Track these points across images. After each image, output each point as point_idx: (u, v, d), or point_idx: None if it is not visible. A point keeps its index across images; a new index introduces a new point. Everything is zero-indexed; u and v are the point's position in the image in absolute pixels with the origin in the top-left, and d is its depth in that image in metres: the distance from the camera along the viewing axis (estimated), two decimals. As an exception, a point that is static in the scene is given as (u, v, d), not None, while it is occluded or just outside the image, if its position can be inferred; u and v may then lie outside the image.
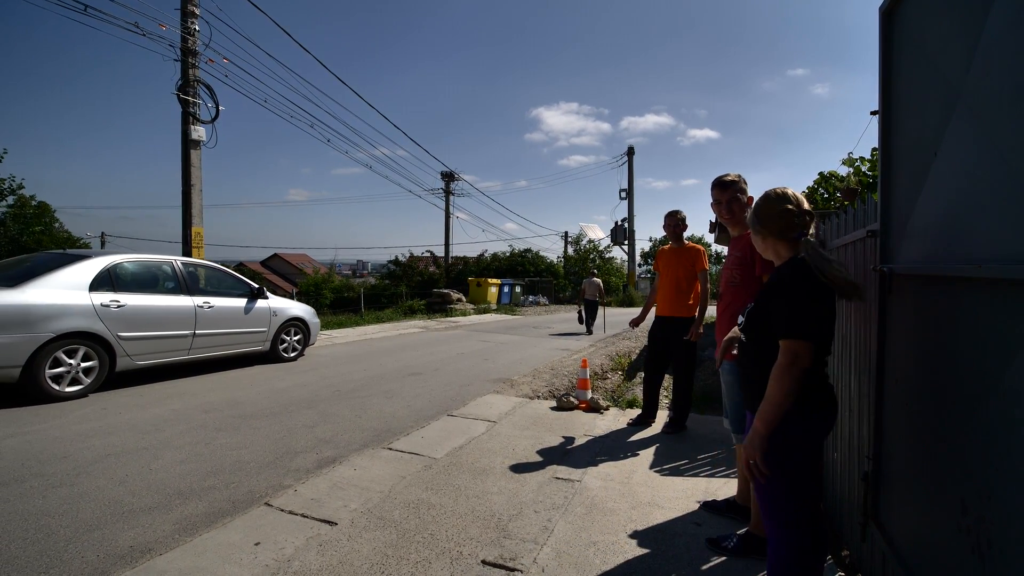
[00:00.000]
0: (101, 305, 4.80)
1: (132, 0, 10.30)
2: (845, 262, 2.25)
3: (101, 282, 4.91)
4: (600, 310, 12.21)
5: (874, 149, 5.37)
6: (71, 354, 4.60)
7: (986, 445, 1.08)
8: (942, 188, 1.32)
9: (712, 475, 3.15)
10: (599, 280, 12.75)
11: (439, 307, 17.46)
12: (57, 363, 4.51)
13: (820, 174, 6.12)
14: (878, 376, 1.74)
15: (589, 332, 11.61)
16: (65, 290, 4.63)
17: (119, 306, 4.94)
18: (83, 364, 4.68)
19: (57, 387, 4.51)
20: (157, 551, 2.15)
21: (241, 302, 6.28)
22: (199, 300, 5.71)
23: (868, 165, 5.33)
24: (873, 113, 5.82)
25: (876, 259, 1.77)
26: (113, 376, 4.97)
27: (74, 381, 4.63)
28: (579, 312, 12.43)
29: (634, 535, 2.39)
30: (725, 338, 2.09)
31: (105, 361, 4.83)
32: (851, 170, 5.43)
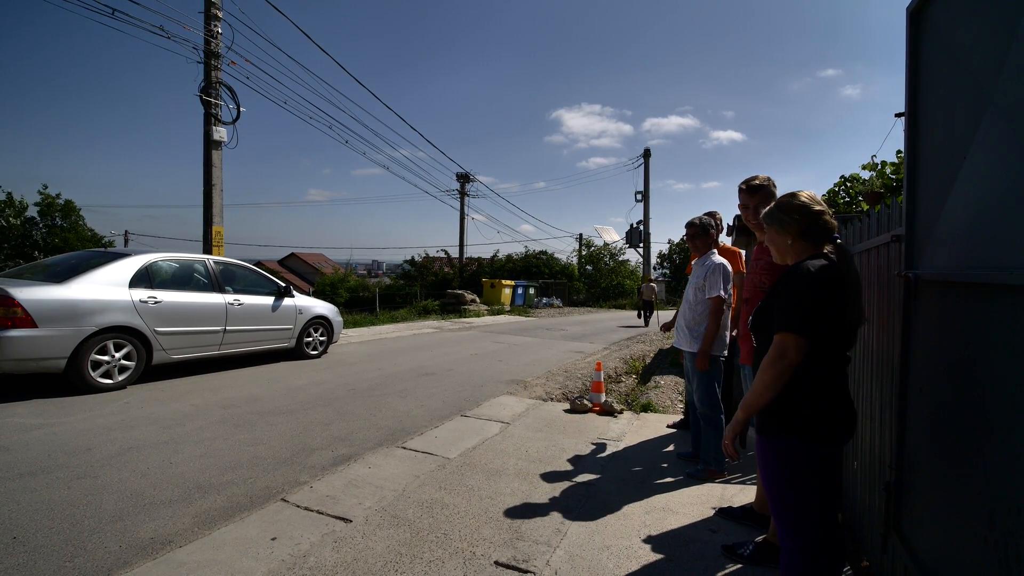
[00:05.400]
0: (140, 301, 5.00)
1: (157, 4, 10.57)
2: (868, 268, 2.20)
3: (140, 279, 5.11)
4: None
5: (899, 152, 5.25)
6: (112, 347, 4.79)
7: (1015, 456, 1.05)
8: (971, 192, 1.29)
9: (728, 481, 3.10)
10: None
11: (453, 308, 17.54)
12: (99, 355, 4.70)
13: (842, 177, 6.00)
14: (901, 384, 1.70)
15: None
16: (107, 286, 4.84)
17: (156, 302, 5.13)
18: (122, 358, 4.87)
19: (99, 378, 4.69)
20: (177, 543, 2.20)
21: (269, 300, 6.44)
22: (230, 298, 5.90)
23: (892, 168, 5.22)
24: (898, 115, 5.69)
25: (901, 264, 1.73)
26: (150, 369, 5.14)
27: (112, 373, 4.81)
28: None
29: (648, 540, 2.38)
30: None
31: (143, 354, 5.02)
32: (873, 173, 5.32)
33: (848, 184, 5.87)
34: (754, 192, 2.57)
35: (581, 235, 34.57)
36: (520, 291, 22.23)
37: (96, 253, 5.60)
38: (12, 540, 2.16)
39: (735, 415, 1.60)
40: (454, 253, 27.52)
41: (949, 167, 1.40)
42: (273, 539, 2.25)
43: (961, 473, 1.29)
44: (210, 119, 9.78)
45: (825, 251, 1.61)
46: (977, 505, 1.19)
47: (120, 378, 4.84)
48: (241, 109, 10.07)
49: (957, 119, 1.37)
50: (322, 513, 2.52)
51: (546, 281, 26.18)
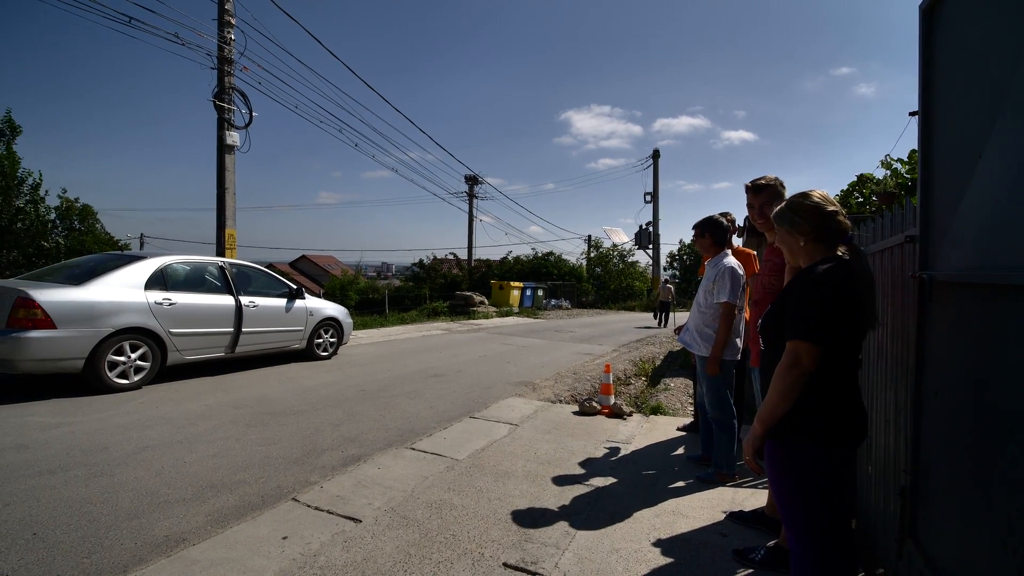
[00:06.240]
0: (155, 303, 5.08)
1: (172, 11, 10.75)
2: (882, 269, 2.18)
3: (155, 281, 5.19)
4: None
5: (913, 151, 5.17)
6: (128, 348, 4.87)
7: (1035, 462, 1.03)
8: (987, 191, 1.27)
9: (739, 485, 3.07)
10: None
11: (462, 309, 17.57)
12: (116, 356, 4.78)
13: (858, 176, 5.92)
14: (916, 387, 1.67)
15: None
16: (123, 288, 4.93)
17: (171, 304, 5.20)
18: (138, 359, 4.95)
19: (115, 379, 4.77)
20: (191, 541, 2.23)
21: (281, 302, 6.51)
22: (243, 300, 5.96)
23: (906, 167, 5.14)
24: (912, 114, 5.59)
25: (915, 265, 1.70)
26: (164, 370, 5.22)
27: (128, 373, 4.89)
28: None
29: (658, 544, 2.36)
30: None
31: (157, 355, 5.10)
32: (888, 173, 5.24)
33: (862, 184, 5.79)
34: (758, 191, 2.55)
35: (590, 236, 34.48)
36: (529, 293, 22.21)
37: (113, 256, 5.73)
38: (33, 536, 2.21)
39: (752, 428, 1.56)
40: (463, 255, 27.62)
41: (964, 166, 1.38)
42: (284, 538, 2.28)
43: (978, 478, 1.27)
44: (223, 124, 9.93)
45: (839, 252, 1.59)
46: (995, 511, 1.17)
47: (136, 378, 4.92)
48: (253, 114, 10.21)
49: (972, 117, 1.35)
50: (332, 513, 2.54)
51: (555, 283, 26.13)
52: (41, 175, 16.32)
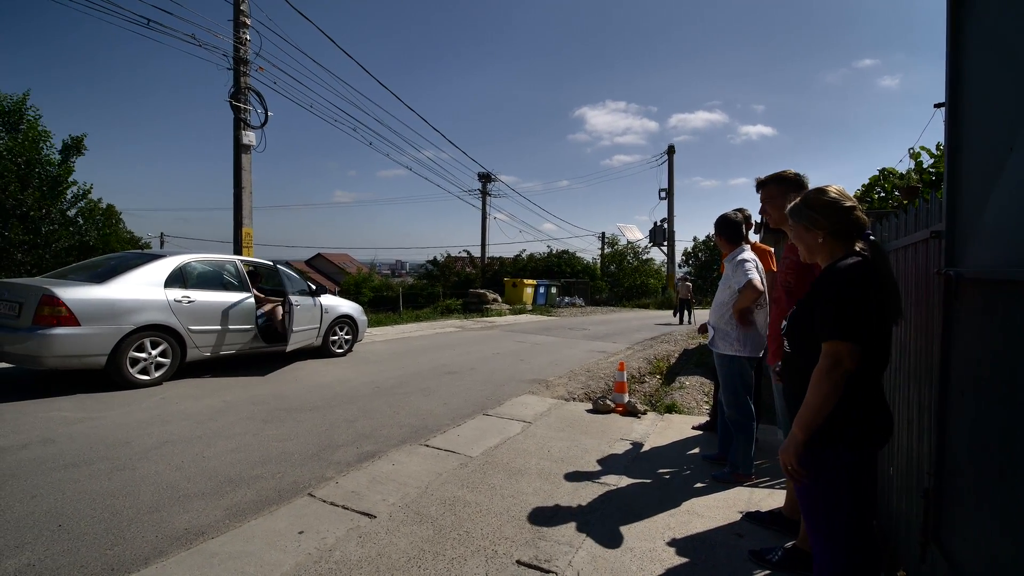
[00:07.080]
0: (174, 300, 5.18)
1: (189, 13, 10.92)
2: (905, 266, 2.12)
3: (174, 279, 5.30)
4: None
5: (939, 144, 5.02)
6: (149, 345, 4.98)
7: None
8: (1019, 185, 1.22)
9: (755, 485, 3.03)
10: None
11: (475, 307, 17.62)
12: (137, 352, 4.90)
13: (880, 170, 5.75)
14: (941, 386, 1.62)
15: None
16: (144, 286, 5.04)
17: (189, 301, 5.31)
18: (158, 355, 5.06)
19: (137, 375, 4.89)
20: (209, 535, 2.27)
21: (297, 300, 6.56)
22: (283, 298, 6.06)
23: (932, 161, 4.98)
24: (938, 106, 5.42)
25: (941, 262, 1.65)
26: (184, 366, 5.33)
27: (149, 370, 4.99)
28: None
29: (672, 543, 2.34)
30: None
31: (177, 352, 5.20)
32: (911, 166, 5.09)
33: (884, 178, 5.63)
34: (759, 188, 2.55)
35: (604, 234, 34.29)
36: (542, 290, 22.17)
37: (133, 255, 5.86)
38: (58, 527, 2.27)
39: (792, 433, 1.50)
40: (476, 253, 27.66)
41: (994, 159, 1.33)
42: (300, 533, 2.31)
43: (1006, 480, 1.23)
44: (240, 124, 10.07)
45: (857, 248, 1.55)
46: (1025, 515, 1.13)
47: (156, 375, 5.03)
48: (269, 113, 10.34)
49: (1002, 108, 1.30)
50: (347, 508, 2.57)
51: (568, 280, 26.04)
52: (89, 186, 17.02)
